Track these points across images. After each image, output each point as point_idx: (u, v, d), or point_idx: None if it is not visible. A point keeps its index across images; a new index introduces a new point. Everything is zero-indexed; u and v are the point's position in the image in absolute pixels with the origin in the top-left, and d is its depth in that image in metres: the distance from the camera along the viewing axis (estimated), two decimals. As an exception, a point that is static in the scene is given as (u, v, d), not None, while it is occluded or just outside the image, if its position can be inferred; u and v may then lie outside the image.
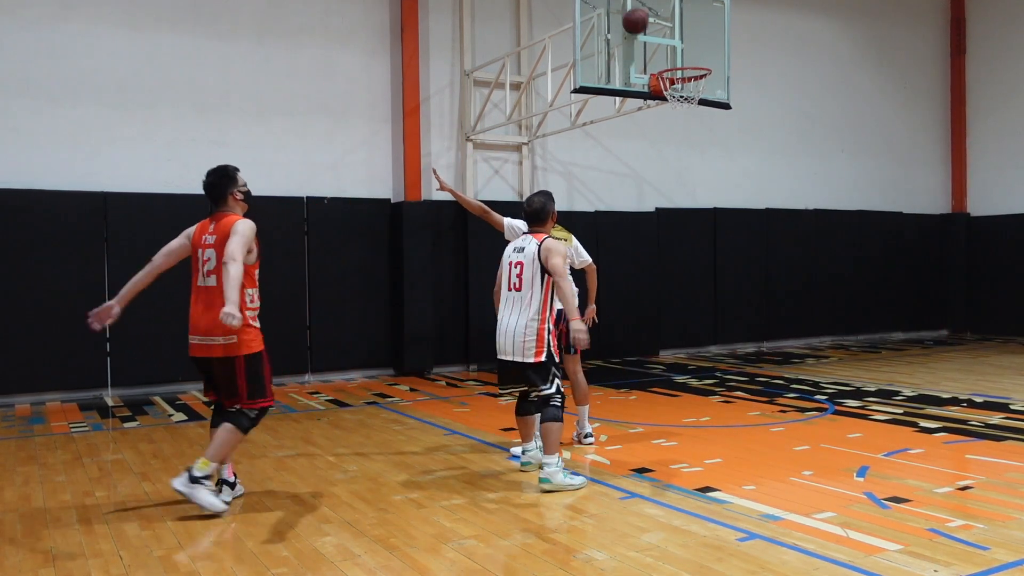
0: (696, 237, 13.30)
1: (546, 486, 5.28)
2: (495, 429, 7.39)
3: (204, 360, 4.99)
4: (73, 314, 9.40)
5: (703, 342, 13.44)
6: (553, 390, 5.42)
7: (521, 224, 6.06)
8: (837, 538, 4.32)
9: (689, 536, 4.40)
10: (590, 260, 6.64)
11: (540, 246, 5.46)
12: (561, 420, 5.39)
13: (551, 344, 5.44)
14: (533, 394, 5.60)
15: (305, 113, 10.83)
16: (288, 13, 10.75)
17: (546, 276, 5.41)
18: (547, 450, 5.35)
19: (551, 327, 5.46)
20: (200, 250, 5.03)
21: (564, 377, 5.55)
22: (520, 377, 5.53)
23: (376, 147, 11.27)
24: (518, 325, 5.42)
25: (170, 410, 8.67)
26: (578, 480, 5.36)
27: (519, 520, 4.74)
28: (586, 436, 6.69)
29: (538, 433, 5.67)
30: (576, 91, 8.72)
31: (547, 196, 5.70)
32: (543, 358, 5.39)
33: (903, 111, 15.63)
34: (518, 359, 5.42)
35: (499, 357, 5.58)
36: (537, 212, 5.63)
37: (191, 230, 5.17)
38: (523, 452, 5.89)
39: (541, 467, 5.37)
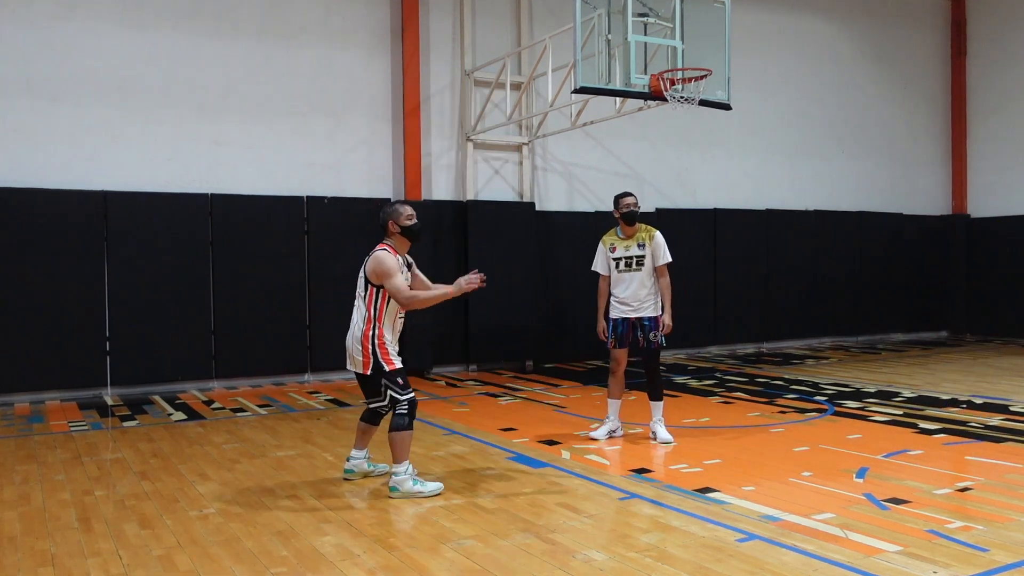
0: (696, 237, 13.30)
1: (395, 494, 5.22)
2: (495, 429, 7.40)
3: None
4: (73, 314, 9.48)
5: (703, 342, 13.44)
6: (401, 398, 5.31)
7: None
8: (836, 539, 4.32)
9: (688, 537, 4.41)
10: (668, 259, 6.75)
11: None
12: (408, 428, 5.26)
13: (379, 354, 5.27)
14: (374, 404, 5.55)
15: (305, 113, 10.83)
16: (288, 13, 10.75)
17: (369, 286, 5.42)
18: (397, 458, 5.25)
19: (377, 338, 5.29)
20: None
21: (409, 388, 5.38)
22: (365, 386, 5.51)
23: (376, 147, 11.27)
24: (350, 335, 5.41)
25: (170, 409, 8.67)
26: (429, 487, 5.26)
27: (519, 520, 4.74)
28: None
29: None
30: (576, 91, 8.71)
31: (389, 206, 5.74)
32: (370, 370, 5.30)
33: (903, 112, 15.63)
34: (355, 369, 5.41)
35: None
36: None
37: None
38: (348, 459, 5.78)
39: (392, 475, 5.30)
